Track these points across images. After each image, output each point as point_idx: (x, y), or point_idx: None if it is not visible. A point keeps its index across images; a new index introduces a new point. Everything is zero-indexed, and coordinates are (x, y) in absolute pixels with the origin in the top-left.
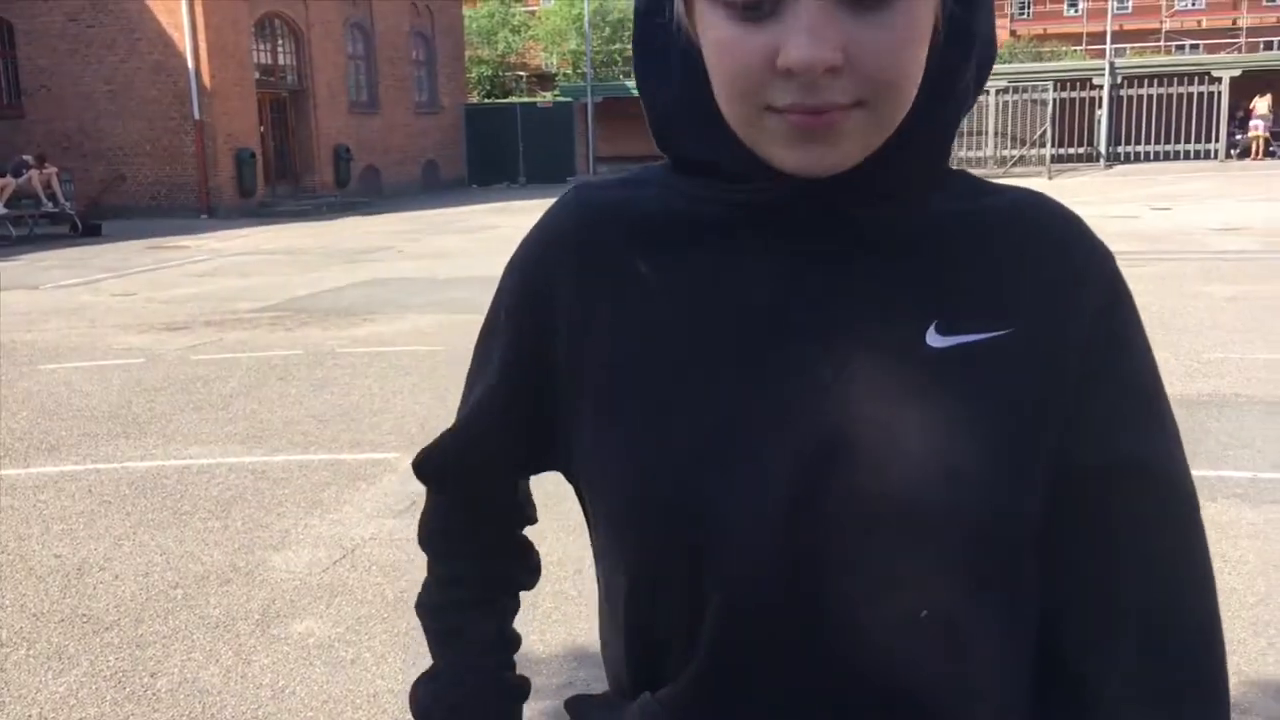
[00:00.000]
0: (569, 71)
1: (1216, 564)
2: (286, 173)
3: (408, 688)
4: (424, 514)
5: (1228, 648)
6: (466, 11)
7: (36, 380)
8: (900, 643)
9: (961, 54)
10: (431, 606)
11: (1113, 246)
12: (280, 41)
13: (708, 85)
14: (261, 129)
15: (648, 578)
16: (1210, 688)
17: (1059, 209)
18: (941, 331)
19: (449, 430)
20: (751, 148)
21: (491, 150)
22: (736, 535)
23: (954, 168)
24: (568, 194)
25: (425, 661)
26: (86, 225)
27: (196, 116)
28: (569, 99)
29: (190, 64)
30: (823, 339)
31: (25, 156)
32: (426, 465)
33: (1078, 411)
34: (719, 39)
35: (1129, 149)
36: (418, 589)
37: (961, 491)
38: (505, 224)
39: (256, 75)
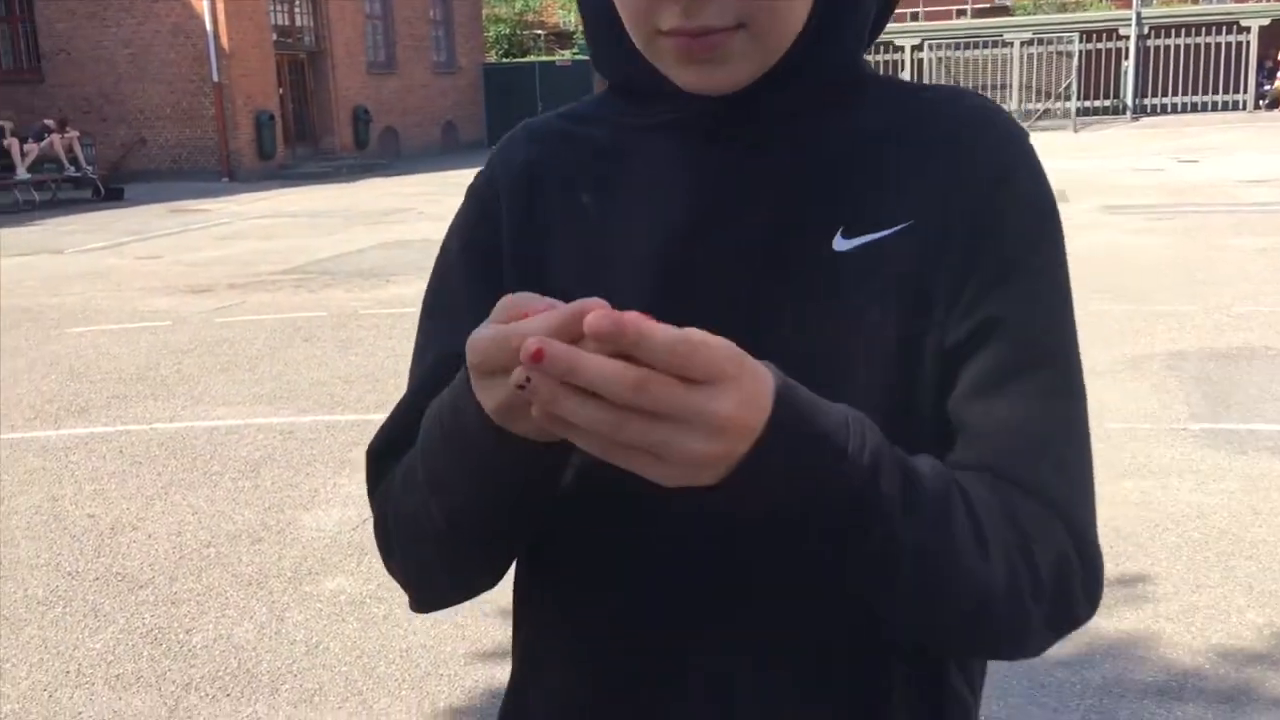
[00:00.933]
0: None
1: (1247, 517)
2: (305, 135)
3: (439, 643)
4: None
5: (1261, 600)
6: None
7: (64, 343)
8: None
9: None
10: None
11: (1139, 200)
12: (298, 2)
13: (616, 11)
14: (280, 91)
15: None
16: (1040, 540)
17: (974, 102)
18: (846, 235)
19: (406, 403)
20: (655, 67)
21: (510, 110)
22: None
23: (883, 75)
24: (515, 131)
25: (458, 617)
26: (109, 189)
27: (215, 79)
28: (587, 57)
29: (208, 26)
30: (737, 252)
31: (47, 121)
32: (380, 454)
33: (960, 287)
34: None
35: (1156, 101)
36: None
37: (857, 391)
38: None
39: (274, 36)
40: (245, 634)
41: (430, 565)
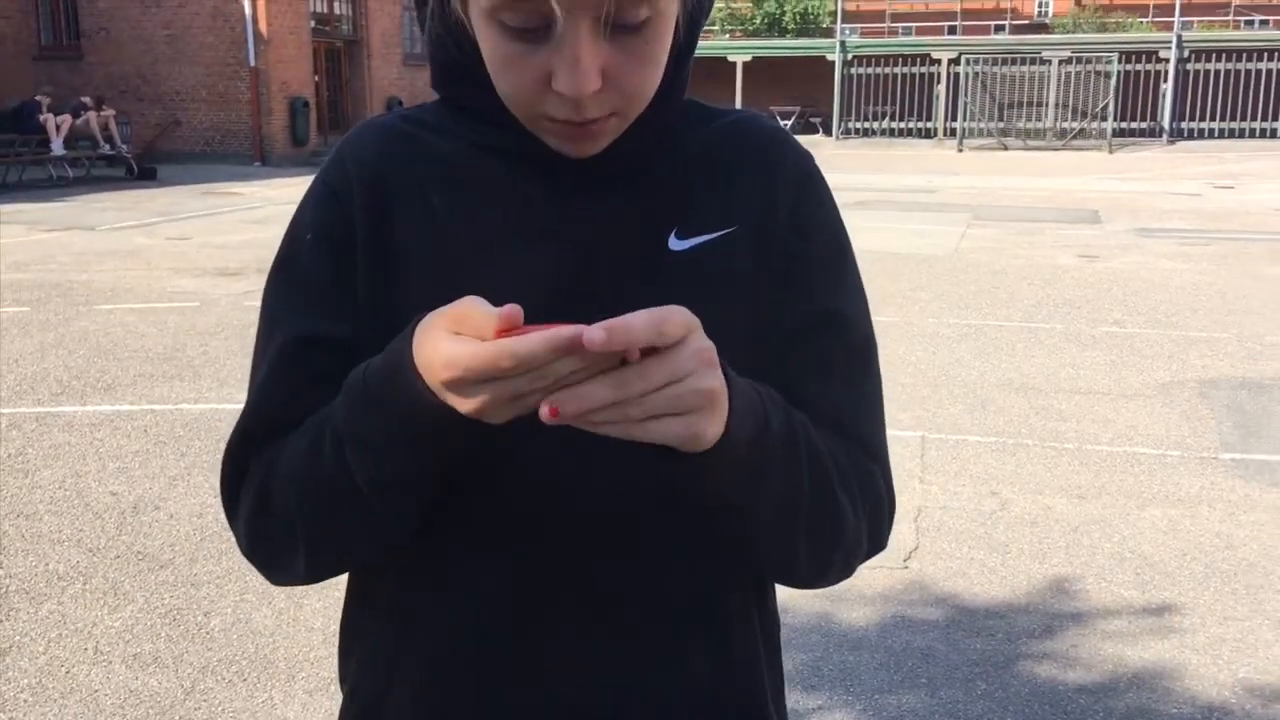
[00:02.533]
0: None
1: (1278, 550)
2: (339, 123)
3: None
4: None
5: None
6: None
7: (93, 320)
8: (649, 529)
9: (695, 34)
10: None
11: (1173, 224)
12: None
13: (481, 61)
14: (316, 78)
15: None
16: (868, 483)
17: (766, 124)
18: (681, 236)
19: (259, 391)
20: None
21: None
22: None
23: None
24: (363, 127)
25: None
26: (142, 169)
27: (252, 64)
28: None
29: (248, 10)
30: (586, 251)
31: (84, 98)
32: (249, 443)
33: (786, 281)
34: (497, 54)
35: (1194, 125)
36: None
37: None
38: None
39: (312, 24)
40: (264, 619)
41: (323, 535)
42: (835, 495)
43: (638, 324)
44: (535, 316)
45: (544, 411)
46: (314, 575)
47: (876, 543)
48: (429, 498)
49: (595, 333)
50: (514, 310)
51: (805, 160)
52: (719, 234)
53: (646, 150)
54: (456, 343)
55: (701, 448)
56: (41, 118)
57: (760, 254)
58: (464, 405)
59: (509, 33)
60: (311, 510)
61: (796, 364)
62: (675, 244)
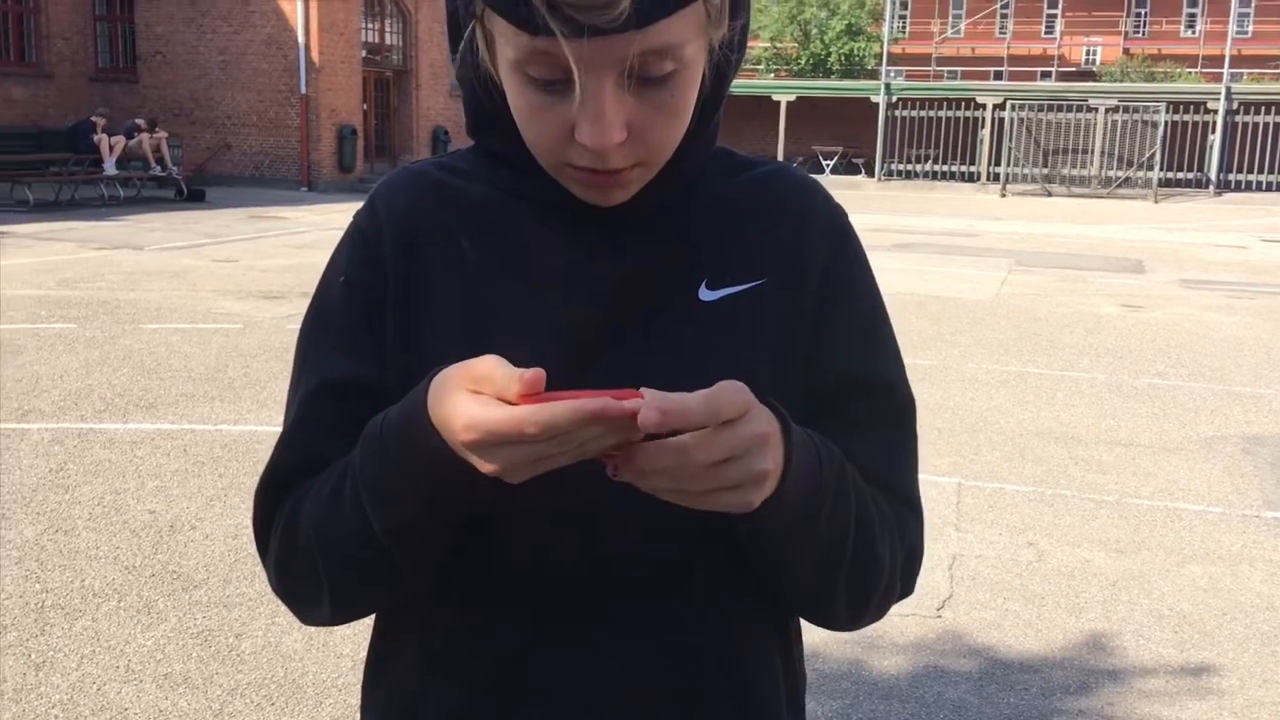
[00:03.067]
0: None
1: None
2: (385, 151)
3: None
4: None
5: None
6: None
7: (138, 339)
8: (671, 578)
9: (723, 85)
10: (319, 508)
11: (1219, 276)
12: (389, 21)
13: (507, 107)
14: (364, 107)
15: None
16: (904, 530)
17: (798, 176)
18: (710, 287)
19: (287, 435)
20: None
21: None
22: None
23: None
24: (397, 174)
25: None
26: (191, 191)
27: (303, 91)
28: None
29: (301, 39)
30: (613, 300)
31: (138, 120)
32: (277, 485)
33: (818, 338)
34: (522, 105)
35: (1241, 177)
36: None
37: None
38: None
39: (363, 54)
40: (294, 643)
41: (345, 580)
42: (876, 544)
43: (695, 408)
44: (561, 365)
45: (609, 469)
46: (339, 618)
47: (906, 588)
48: (448, 544)
49: (650, 414)
50: (538, 375)
51: (838, 215)
52: (748, 285)
53: (673, 199)
54: (478, 404)
55: (746, 512)
56: (95, 138)
57: (789, 307)
58: (484, 466)
59: (534, 84)
60: (333, 556)
61: (837, 425)
62: (705, 294)
